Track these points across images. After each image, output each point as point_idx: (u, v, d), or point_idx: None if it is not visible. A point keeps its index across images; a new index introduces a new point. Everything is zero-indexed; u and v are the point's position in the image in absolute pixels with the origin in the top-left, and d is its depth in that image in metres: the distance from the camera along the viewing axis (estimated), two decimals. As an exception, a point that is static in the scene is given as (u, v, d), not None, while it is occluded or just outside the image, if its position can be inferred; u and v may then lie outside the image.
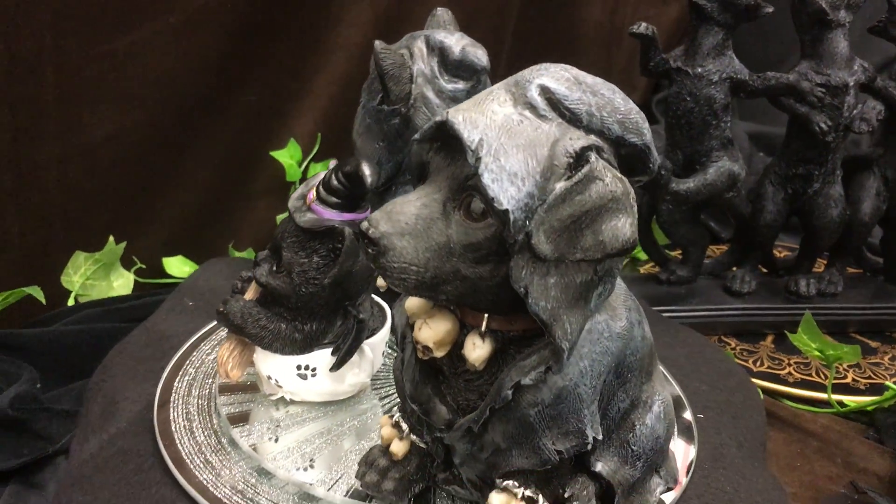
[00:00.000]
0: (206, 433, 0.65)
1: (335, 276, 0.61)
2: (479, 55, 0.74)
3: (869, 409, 0.87)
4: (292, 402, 0.68)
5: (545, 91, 0.43)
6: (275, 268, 0.63)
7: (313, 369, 0.65)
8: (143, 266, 1.05)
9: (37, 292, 0.85)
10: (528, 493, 0.51)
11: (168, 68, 1.05)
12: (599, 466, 0.52)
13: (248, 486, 0.59)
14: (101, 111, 1.02)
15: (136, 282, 1.04)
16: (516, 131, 0.43)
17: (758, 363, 0.96)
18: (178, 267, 1.10)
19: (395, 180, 0.79)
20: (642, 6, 1.45)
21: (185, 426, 0.65)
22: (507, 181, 0.42)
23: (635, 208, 0.44)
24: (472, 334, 0.48)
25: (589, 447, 0.49)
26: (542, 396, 0.47)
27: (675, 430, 0.60)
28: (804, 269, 1.06)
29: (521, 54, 1.40)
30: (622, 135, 0.44)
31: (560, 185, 0.42)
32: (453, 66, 0.74)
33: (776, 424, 0.87)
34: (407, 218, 0.44)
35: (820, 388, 0.91)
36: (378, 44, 0.73)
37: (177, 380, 0.72)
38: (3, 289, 0.89)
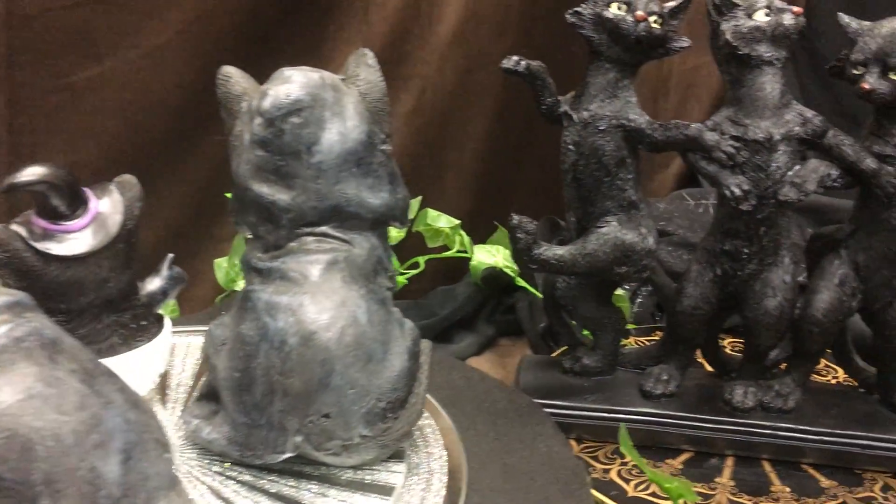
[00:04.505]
0: None
1: None
2: (268, 97, 0.63)
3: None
4: None
5: None
6: None
7: None
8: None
9: None
10: None
11: (129, 103, 1.07)
12: None
13: None
14: (54, 143, 1.06)
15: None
16: None
17: (640, 487, 0.75)
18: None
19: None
20: (690, 57, 1.25)
21: None
22: None
23: None
24: None
25: None
26: None
27: None
28: (748, 374, 0.82)
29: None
30: None
31: None
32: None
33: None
34: None
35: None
36: (223, 69, 0.68)
37: None
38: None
